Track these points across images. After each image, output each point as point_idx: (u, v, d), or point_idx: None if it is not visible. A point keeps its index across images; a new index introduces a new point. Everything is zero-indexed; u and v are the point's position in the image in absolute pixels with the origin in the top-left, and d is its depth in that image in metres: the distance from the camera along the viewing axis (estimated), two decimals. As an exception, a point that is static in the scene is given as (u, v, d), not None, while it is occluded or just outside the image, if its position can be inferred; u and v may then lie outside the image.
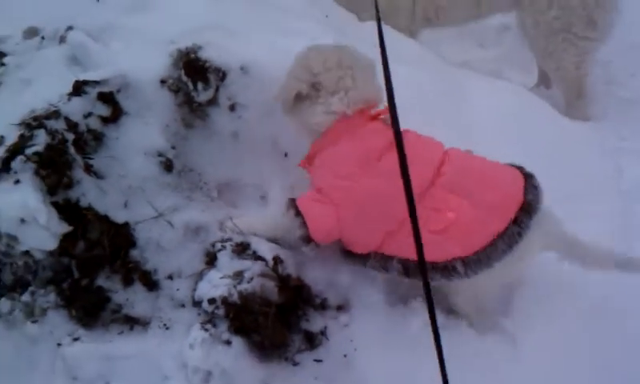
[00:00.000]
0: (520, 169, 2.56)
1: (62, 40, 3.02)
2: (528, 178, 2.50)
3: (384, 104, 2.52)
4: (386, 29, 2.47)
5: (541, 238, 2.46)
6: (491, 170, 2.54)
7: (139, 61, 2.81)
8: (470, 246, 2.36)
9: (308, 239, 2.52)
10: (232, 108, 2.87)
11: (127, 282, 2.47)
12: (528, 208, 2.40)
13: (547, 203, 2.55)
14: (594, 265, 2.56)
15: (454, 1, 4.28)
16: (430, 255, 2.21)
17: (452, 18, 4.39)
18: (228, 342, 2.31)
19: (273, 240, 2.66)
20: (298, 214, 2.49)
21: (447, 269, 2.38)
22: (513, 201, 2.42)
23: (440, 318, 2.49)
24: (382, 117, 2.60)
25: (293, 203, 2.52)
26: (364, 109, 2.60)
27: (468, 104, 3.51)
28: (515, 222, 2.38)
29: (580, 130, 3.88)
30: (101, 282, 2.46)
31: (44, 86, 2.75)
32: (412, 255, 2.27)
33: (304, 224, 2.48)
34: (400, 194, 2.09)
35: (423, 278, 1.94)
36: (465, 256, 2.37)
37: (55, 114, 2.57)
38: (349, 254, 2.58)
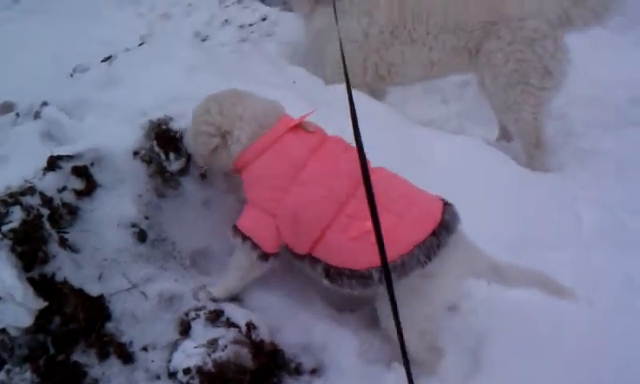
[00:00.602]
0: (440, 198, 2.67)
1: (37, 116, 3.11)
2: (447, 204, 2.61)
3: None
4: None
5: (461, 261, 2.56)
6: (413, 189, 2.67)
7: (112, 134, 2.90)
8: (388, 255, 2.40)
9: (264, 255, 2.63)
10: (203, 176, 2.97)
11: (103, 356, 2.48)
12: (446, 225, 2.50)
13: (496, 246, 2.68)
14: (516, 283, 2.66)
15: (405, 60, 4.39)
16: (349, 262, 2.50)
17: (404, 77, 4.50)
18: (204, 412, 2.34)
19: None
20: (245, 237, 2.61)
21: (363, 276, 2.48)
22: (432, 217, 2.52)
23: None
24: (301, 124, 2.76)
25: (236, 230, 2.63)
26: (282, 120, 2.76)
27: (431, 161, 3.63)
28: (434, 234, 2.47)
29: (540, 181, 4.02)
30: (77, 356, 2.47)
31: (19, 162, 2.81)
32: (332, 261, 2.55)
33: (254, 244, 2.60)
34: (322, 203, 2.50)
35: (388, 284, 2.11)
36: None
37: (30, 190, 2.61)
38: (292, 253, 2.70)
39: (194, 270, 2.86)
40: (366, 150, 2.56)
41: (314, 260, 2.61)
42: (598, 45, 5.15)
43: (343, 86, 2.84)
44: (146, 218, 2.83)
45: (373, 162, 2.64)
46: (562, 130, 4.70)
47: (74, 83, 3.32)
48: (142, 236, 2.78)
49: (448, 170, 3.54)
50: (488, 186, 3.60)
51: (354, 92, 2.77)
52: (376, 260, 2.36)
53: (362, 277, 2.47)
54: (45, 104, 3.12)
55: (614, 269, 3.31)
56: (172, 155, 2.91)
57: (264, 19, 5.40)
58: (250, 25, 5.43)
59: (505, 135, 4.76)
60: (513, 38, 4.11)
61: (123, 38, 5.01)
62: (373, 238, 2.32)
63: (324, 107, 3.45)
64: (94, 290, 2.58)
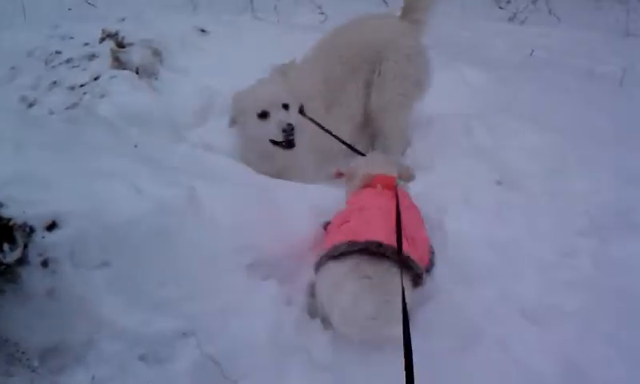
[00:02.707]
0: None
1: None
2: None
3: None
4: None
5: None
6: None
7: None
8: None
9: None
10: (44, 264, 2.69)
11: None
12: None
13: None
14: None
15: None
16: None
17: None
18: None
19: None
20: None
21: None
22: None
23: None
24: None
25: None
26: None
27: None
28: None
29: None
30: None
31: None
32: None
33: None
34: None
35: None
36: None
37: None
38: None
39: (45, 370, 2.57)
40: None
41: None
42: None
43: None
44: (-18, 319, 2.51)
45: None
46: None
47: None
48: (-23, 342, 2.46)
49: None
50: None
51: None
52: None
53: None
54: None
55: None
56: (6, 246, 2.60)
57: (96, 79, 5.12)
58: (82, 85, 5.12)
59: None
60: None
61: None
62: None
63: (170, 170, 3.32)
64: None
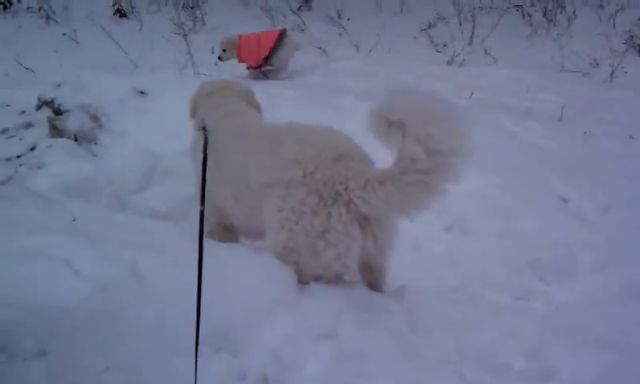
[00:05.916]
0: None
1: None
2: None
3: None
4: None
5: None
6: None
7: None
8: None
9: None
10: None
11: None
12: None
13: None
14: None
15: None
16: None
17: None
18: None
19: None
20: None
21: None
22: None
23: None
24: None
25: None
26: None
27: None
28: None
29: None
30: None
31: None
32: None
33: None
34: None
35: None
36: None
37: None
38: None
39: None
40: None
41: None
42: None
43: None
44: None
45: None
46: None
47: None
48: None
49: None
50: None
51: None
52: None
53: None
54: None
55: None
56: None
57: (32, 149, 4.97)
58: (18, 157, 4.94)
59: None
60: None
61: None
62: None
63: (110, 243, 3.19)
64: None
